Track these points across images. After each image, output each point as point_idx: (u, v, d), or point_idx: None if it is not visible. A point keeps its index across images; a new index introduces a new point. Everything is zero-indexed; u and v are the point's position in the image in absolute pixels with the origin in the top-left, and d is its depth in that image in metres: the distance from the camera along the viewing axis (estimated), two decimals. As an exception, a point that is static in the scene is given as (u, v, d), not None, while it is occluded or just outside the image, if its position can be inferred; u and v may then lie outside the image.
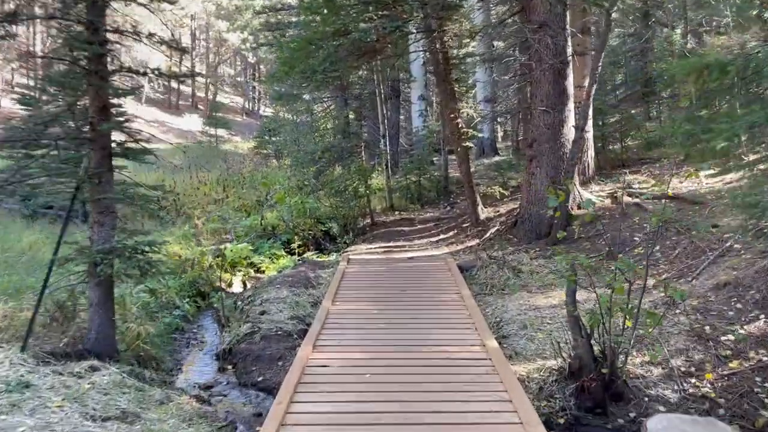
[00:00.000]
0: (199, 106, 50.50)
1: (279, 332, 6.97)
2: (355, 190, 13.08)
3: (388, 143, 16.08)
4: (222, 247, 10.22)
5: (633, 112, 17.69)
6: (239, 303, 8.55)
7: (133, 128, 6.42)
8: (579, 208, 10.32)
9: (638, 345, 6.00)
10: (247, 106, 54.17)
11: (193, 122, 42.74)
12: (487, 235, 10.99)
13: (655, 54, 19.77)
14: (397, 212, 14.77)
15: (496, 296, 8.20)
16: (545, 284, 8.33)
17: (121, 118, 5.96)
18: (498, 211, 12.13)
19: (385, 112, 15.38)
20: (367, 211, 13.78)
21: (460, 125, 11.50)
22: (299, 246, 11.50)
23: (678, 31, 21.90)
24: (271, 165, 22.65)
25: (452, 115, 11.44)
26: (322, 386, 4.88)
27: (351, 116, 18.15)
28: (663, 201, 10.24)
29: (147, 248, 5.85)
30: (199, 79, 53.74)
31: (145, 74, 6.04)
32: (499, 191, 12.59)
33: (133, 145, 6.58)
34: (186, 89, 52.30)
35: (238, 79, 60.97)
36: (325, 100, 22.92)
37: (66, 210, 6.28)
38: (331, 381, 4.98)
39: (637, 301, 5.43)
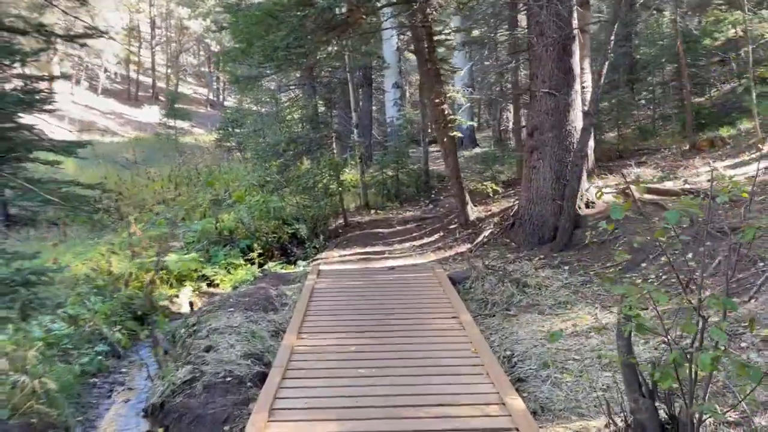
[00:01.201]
0: (160, 97, 48.04)
1: (228, 378, 5.33)
2: (325, 186, 11.44)
3: (361, 134, 14.49)
4: (165, 258, 8.52)
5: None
6: (183, 332, 6.88)
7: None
8: (588, 207, 8.87)
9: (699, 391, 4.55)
10: (211, 97, 51.84)
11: (153, 114, 40.42)
12: (480, 239, 9.48)
13: (646, 37, 18.53)
14: (372, 211, 13.19)
15: (500, 318, 6.68)
16: (559, 302, 6.84)
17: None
18: (490, 211, 10.63)
19: (357, 99, 13.75)
20: (340, 211, 12.17)
21: (446, 111, 9.94)
22: (260, 255, 9.83)
23: (666, 13, 20.73)
24: (233, 158, 20.84)
25: (437, 100, 9.88)
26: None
27: (320, 106, 16.53)
28: (681, 198, 8.87)
29: (33, 278, 4.15)
30: (159, 69, 51.38)
31: (25, 34, 4.31)
32: (492, 188, 11.07)
33: (28, 135, 4.84)
34: (146, 80, 49.78)
35: (203, 69, 58.53)
36: (292, 87, 21.25)
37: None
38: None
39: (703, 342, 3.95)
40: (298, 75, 20.55)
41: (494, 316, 6.84)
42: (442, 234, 10.45)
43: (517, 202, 9.98)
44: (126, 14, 45.50)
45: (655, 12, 19.93)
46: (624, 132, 15.18)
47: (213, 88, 52.52)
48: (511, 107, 18.61)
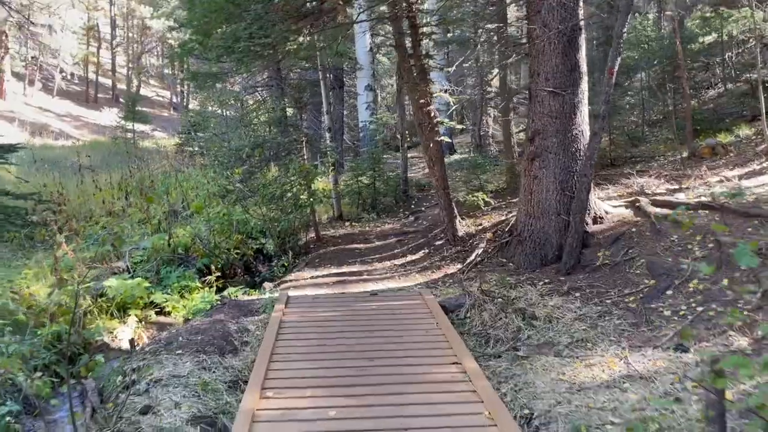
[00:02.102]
0: (120, 99, 46.10)
1: (168, 456, 4.07)
2: (295, 197, 10.17)
3: (332, 138, 13.27)
4: (104, 283, 7.18)
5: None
6: (118, 381, 5.55)
7: None
8: (596, 222, 7.81)
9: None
10: (175, 99, 49.96)
11: (112, 117, 38.53)
12: (472, 258, 8.34)
13: (628, 40, 17.74)
14: (347, 223, 11.97)
15: (508, 361, 5.53)
16: (576, 340, 5.73)
17: None
18: (480, 225, 9.50)
19: (329, 101, 12.54)
20: (311, 223, 10.92)
21: (432, 114, 8.80)
22: (219, 278, 8.53)
23: (650, 16, 20.04)
24: (196, 164, 19.36)
25: (422, 101, 8.74)
26: None
27: (289, 108, 15.26)
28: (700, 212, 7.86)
29: None
30: (120, 70, 49.37)
31: None
32: (483, 199, 9.93)
33: None
34: (106, 81, 47.73)
35: (166, 71, 56.50)
36: (259, 89, 19.94)
37: None
38: None
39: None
40: (265, 76, 19.26)
41: (500, 356, 5.69)
42: (427, 251, 9.28)
43: (513, 215, 8.90)
44: (85, 13, 43.57)
45: (638, 15, 19.23)
46: (614, 138, 14.27)
47: (177, 90, 50.63)
48: (491, 111, 17.63)
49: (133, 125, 26.13)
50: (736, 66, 16.84)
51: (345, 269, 9.01)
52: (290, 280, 8.62)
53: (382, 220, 11.99)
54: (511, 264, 7.90)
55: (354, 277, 8.54)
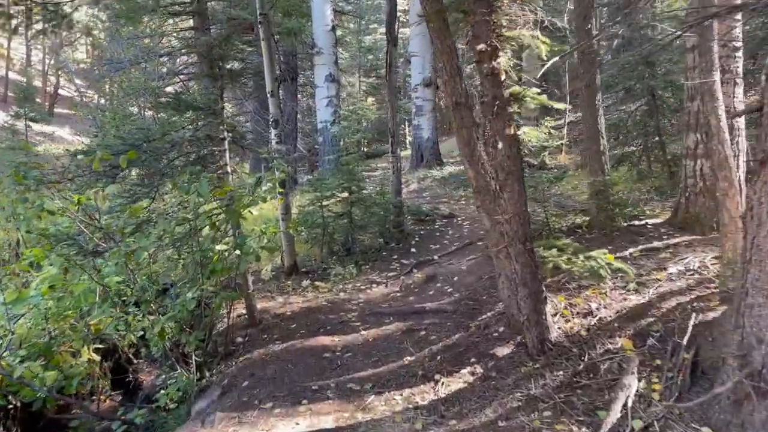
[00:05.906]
0: (37, 99, 39.86)
1: None
2: (204, 252, 5.10)
3: (280, 139, 8.30)
4: None
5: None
6: None
7: None
8: None
9: None
10: (102, 101, 43.76)
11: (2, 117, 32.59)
12: (617, 413, 3.48)
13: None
14: (306, 280, 7.01)
15: None
16: None
17: None
18: (587, 311, 4.61)
19: (274, 73, 7.52)
20: (240, 292, 5.88)
21: (501, 78, 3.96)
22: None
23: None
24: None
25: (480, 47, 3.88)
26: None
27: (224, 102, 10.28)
28: None
29: None
30: (37, 67, 43.04)
31: None
32: (608, 263, 4.72)
33: None
34: (19, 78, 41.29)
35: (95, 70, 50.10)
36: (184, 75, 15.01)
37: None
38: None
39: None
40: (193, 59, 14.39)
41: None
42: (482, 371, 4.33)
43: (661, 297, 4.13)
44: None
45: None
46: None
47: (106, 91, 44.43)
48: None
49: (26, 124, 20.55)
50: None
51: (307, 419, 4.01)
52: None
53: (367, 277, 7.03)
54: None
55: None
